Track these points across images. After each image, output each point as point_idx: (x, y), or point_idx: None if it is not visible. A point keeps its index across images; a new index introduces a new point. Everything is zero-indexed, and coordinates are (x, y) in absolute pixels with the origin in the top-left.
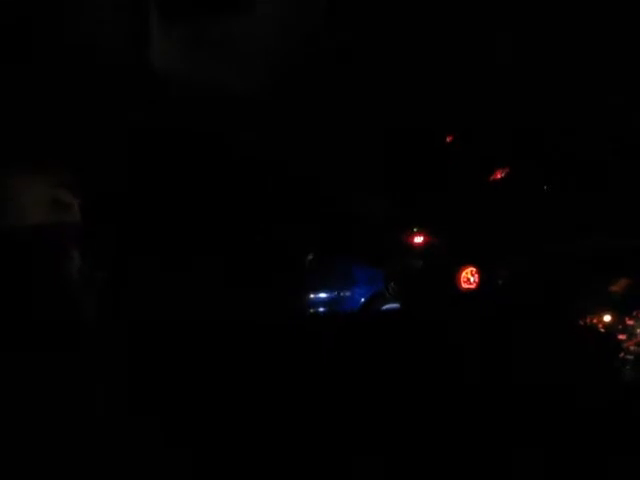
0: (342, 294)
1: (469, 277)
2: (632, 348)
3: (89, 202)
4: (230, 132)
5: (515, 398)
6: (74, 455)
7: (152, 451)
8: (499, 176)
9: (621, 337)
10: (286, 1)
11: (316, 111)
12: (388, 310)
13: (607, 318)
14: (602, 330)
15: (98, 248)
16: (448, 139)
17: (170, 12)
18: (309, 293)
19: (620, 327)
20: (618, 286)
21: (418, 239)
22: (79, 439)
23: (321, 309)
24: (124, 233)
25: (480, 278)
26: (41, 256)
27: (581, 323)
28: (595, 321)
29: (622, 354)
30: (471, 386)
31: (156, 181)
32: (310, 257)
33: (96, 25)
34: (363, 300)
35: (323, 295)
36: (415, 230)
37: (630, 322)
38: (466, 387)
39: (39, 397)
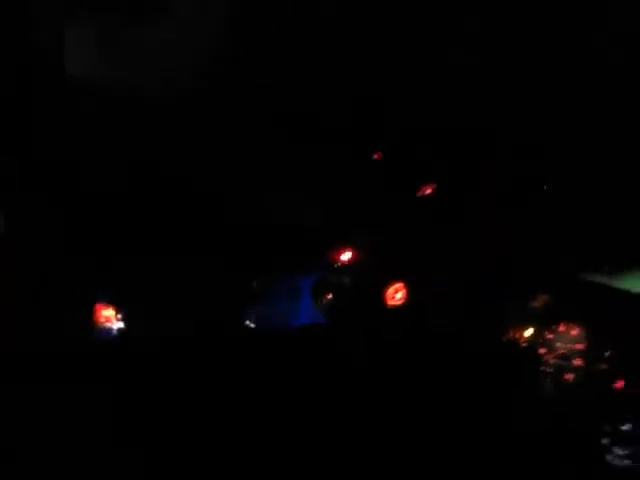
0: (285, 311)
1: (396, 293)
2: (552, 361)
3: None
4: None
5: (436, 408)
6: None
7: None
8: (427, 192)
9: (541, 351)
10: (197, 6)
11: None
12: (315, 324)
13: (528, 333)
14: (524, 344)
15: None
16: (376, 156)
17: (83, 17)
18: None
19: (540, 341)
20: (538, 302)
21: (346, 255)
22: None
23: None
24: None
25: (407, 294)
26: None
27: (504, 338)
28: (517, 336)
29: (542, 367)
30: (390, 398)
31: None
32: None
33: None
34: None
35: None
36: (343, 247)
37: (550, 336)
38: (383, 398)
39: None
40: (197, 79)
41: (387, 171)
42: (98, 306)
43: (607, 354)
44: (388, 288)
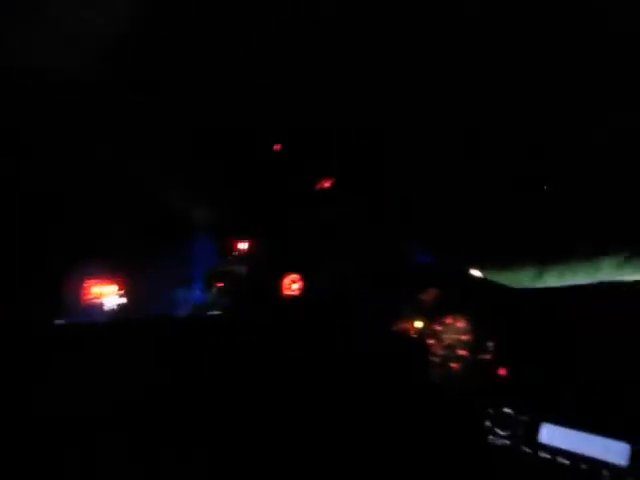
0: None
1: (292, 283)
2: (439, 352)
3: None
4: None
5: (330, 396)
6: None
7: None
8: (325, 185)
9: (430, 341)
10: None
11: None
12: (211, 315)
13: (418, 324)
14: (413, 335)
15: None
16: (276, 147)
17: None
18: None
19: (429, 332)
20: (428, 295)
21: (242, 245)
22: None
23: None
24: None
25: (303, 284)
26: None
27: (394, 329)
28: (407, 327)
29: (430, 357)
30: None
31: None
32: None
33: None
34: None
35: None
36: (239, 236)
37: (438, 328)
38: (277, 389)
39: None
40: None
41: (286, 162)
42: (87, 282)
43: (490, 345)
44: (284, 278)
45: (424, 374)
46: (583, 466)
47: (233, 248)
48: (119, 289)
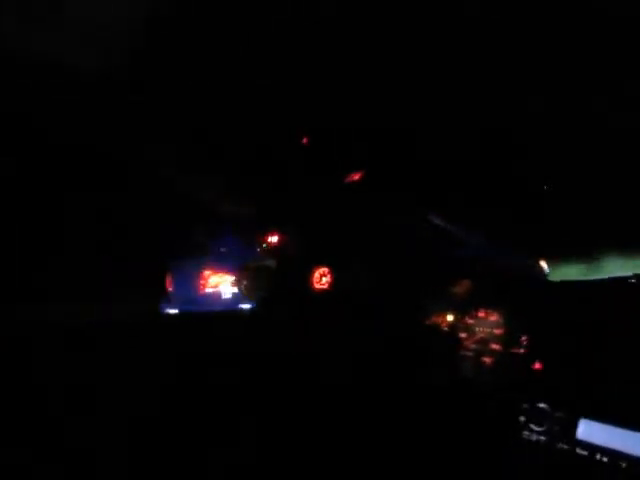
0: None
1: (322, 277)
2: (471, 345)
3: None
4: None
5: (361, 391)
6: None
7: None
8: (355, 178)
9: (462, 335)
10: None
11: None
12: (241, 309)
13: (450, 318)
14: (445, 329)
15: None
16: (304, 140)
17: None
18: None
19: (461, 326)
20: (460, 288)
21: (272, 238)
22: None
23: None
24: None
25: (333, 278)
26: None
27: (427, 322)
28: (439, 320)
29: (462, 351)
30: (325, 385)
31: None
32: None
33: None
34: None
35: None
36: (270, 229)
37: (470, 321)
38: (320, 385)
39: None
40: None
41: (314, 156)
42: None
43: (524, 339)
44: (314, 272)
45: (456, 368)
46: (623, 464)
47: (264, 242)
48: (234, 280)
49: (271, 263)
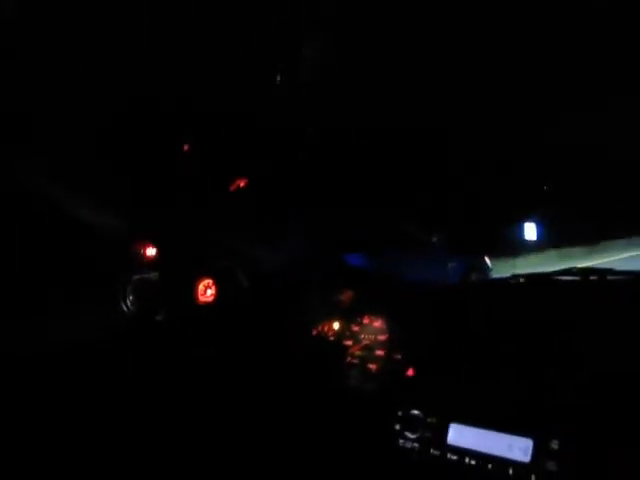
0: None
1: (207, 289)
2: (357, 353)
3: None
4: None
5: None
6: None
7: None
8: (240, 185)
9: (347, 343)
10: None
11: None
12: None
13: (336, 326)
14: (331, 337)
15: None
16: (185, 147)
17: None
18: None
19: (347, 333)
20: (344, 296)
21: (151, 251)
22: None
23: None
24: None
25: (217, 290)
26: None
27: (313, 331)
28: (325, 329)
29: (349, 358)
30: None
31: None
32: None
33: None
34: None
35: None
36: (146, 242)
37: (355, 328)
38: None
39: None
40: None
41: (196, 163)
42: None
43: (402, 344)
44: (198, 284)
45: (342, 377)
46: (489, 466)
47: (142, 255)
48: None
49: (153, 276)
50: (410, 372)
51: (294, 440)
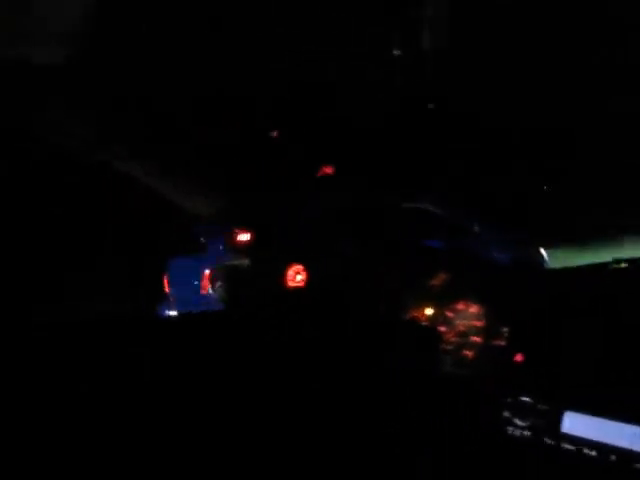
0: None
1: (296, 275)
2: (452, 339)
3: None
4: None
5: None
6: None
7: None
8: (327, 172)
9: (442, 329)
10: None
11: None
12: (211, 311)
13: (428, 311)
14: (424, 323)
15: None
16: (274, 134)
17: None
18: None
19: (441, 319)
20: (437, 280)
21: (243, 237)
22: None
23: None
24: None
25: (308, 276)
26: None
27: (405, 316)
28: (418, 315)
29: (443, 345)
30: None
31: None
32: None
33: None
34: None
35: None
36: (240, 228)
37: (450, 314)
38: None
39: None
40: None
41: (285, 151)
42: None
43: (505, 330)
44: (288, 270)
45: (436, 363)
46: (612, 457)
47: (233, 241)
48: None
49: (242, 263)
50: (519, 358)
51: (388, 423)
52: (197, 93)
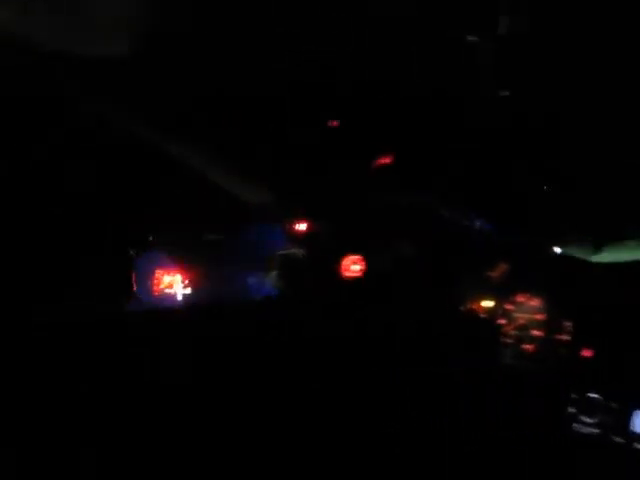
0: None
1: (353, 265)
2: (512, 332)
3: None
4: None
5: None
6: None
7: None
8: (384, 162)
9: (501, 322)
10: None
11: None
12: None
13: (488, 304)
14: (483, 315)
15: None
16: (333, 123)
17: None
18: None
19: (500, 312)
20: (496, 272)
21: (301, 227)
22: None
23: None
24: None
25: (365, 265)
26: None
27: (462, 309)
28: (476, 307)
29: (502, 338)
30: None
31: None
32: None
33: None
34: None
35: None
36: (299, 217)
37: (509, 307)
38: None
39: None
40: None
41: (344, 139)
42: (158, 271)
43: (568, 324)
44: (344, 260)
45: (496, 357)
46: None
47: (291, 230)
48: (183, 279)
49: (298, 252)
50: (586, 353)
51: (445, 422)
52: (261, 82)
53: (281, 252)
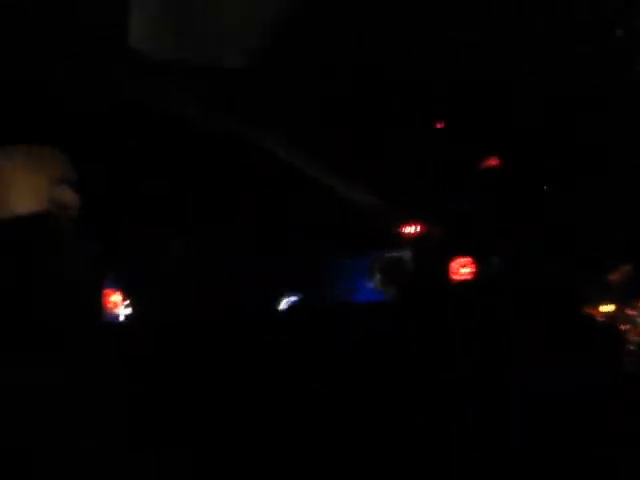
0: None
1: (463, 267)
2: (634, 338)
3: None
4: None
5: (512, 391)
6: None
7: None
8: (492, 164)
9: (623, 328)
10: None
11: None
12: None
13: (608, 308)
14: (603, 320)
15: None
16: (438, 125)
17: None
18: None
19: (622, 317)
20: (618, 274)
21: (410, 229)
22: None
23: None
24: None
25: (476, 268)
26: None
27: (582, 313)
28: (595, 311)
29: (625, 344)
30: (463, 378)
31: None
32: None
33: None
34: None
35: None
36: (408, 220)
37: (631, 312)
38: (459, 379)
39: None
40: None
41: (451, 142)
42: (106, 291)
43: None
44: (453, 263)
45: (618, 364)
46: None
47: (399, 232)
48: (123, 300)
49: (404, 254)
50: None
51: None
52: (370, 83)
53: (387, 255)
